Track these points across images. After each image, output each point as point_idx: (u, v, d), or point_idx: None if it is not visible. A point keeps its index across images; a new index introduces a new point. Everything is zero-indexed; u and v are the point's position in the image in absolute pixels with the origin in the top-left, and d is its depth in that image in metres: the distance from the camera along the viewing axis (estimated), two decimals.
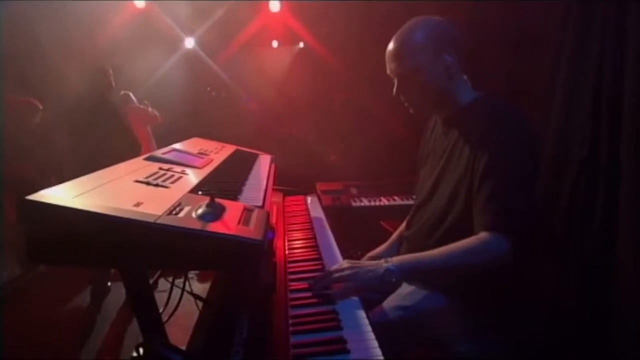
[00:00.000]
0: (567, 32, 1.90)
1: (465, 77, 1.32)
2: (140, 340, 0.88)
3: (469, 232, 1.17)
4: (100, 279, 3.29)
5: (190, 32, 5.29)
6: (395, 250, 1.58)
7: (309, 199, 2.06)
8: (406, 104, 1.34)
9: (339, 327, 0.98)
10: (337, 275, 1.13)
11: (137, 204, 0.79)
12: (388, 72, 1.32)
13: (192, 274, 1.61)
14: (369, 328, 0.98)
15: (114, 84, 3.42)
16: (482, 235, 1.13)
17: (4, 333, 2.55)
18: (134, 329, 2.70)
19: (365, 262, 1.18)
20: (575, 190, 1.78)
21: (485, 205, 1.14)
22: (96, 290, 3.25)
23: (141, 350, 0.94)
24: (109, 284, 3.35)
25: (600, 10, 1.70)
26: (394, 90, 1.32)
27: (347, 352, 0.89)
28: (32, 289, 3.45)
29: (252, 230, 0.81)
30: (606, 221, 1.63)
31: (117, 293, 3.26)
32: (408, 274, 1.19)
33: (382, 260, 1.16)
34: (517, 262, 1.12)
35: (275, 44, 5.80)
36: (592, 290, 1.67)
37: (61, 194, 0.76)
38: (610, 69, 1.65)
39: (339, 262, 1.21)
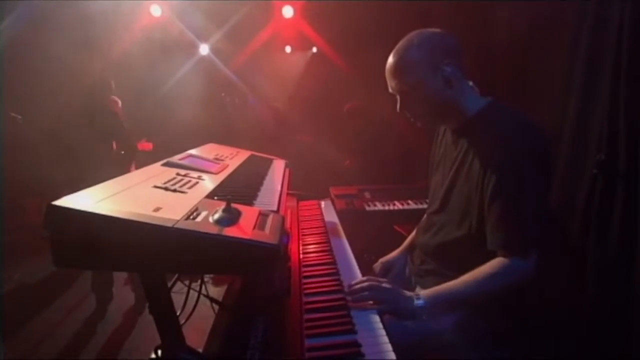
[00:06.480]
0: (583, 30, 1.87)
1: (470, 83, 1.30)
2: (144, 344, 0.90)
3: (481, 245, 1.18)
4: (103, 285, 3.30)
5: (204, 39, 5.37)
6: (407, 256, 1.58)
7: (322, 203, 2.07)
8: (412, 119, 1.34)
9: (353, 331, 0.98)
10: (371, 293, 1.13)
11: (157, 209, 0.81)
12: (390, 90, 1.32)
13: (207, 278, 1.62)
14: (383, 332, 0.99)
15: (113, 87, 3.47)
16: (501, 259, 1.15)
17: (9, 337, 2.61)
18: (138, 334, 2.74)
19: (400, 291, 1.17)
20: (592, 193, 1.76)
21: (497, 223, 1.15)
22: (100, 296, 3.26)
23: (159, 353, 0.96)
24: (113, 289, 3.35)
25: (617, 6, 1.67)
26: (398, 107, 1.32)
27: (362, 355, 0.90)
28: (37, 294, 3.46)
29: (267, 235, 0.83)
30: (625, 225, 1.60)
31: (122, 299, 3.28)
32: (439, 308, 1.18)
33: (414, 295, 1.16)
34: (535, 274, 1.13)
35: (288, 49, 5.84)
36: (611, 295, 1.64)
37: (84, 200, 0.79)
38: (627, 69, 1.62)
39: (371, 276, 1.20)
